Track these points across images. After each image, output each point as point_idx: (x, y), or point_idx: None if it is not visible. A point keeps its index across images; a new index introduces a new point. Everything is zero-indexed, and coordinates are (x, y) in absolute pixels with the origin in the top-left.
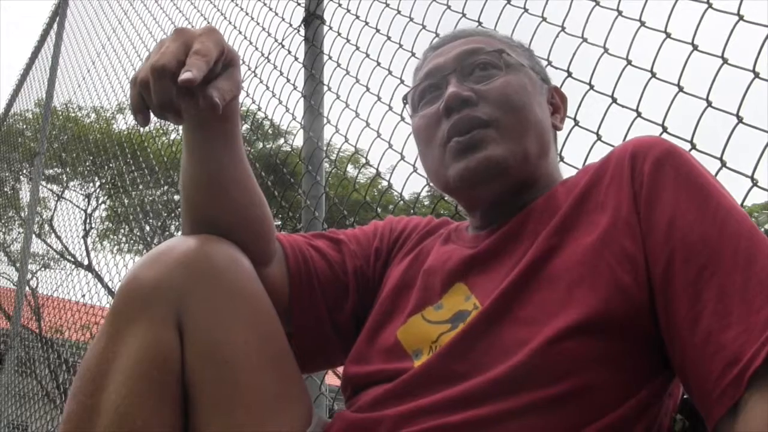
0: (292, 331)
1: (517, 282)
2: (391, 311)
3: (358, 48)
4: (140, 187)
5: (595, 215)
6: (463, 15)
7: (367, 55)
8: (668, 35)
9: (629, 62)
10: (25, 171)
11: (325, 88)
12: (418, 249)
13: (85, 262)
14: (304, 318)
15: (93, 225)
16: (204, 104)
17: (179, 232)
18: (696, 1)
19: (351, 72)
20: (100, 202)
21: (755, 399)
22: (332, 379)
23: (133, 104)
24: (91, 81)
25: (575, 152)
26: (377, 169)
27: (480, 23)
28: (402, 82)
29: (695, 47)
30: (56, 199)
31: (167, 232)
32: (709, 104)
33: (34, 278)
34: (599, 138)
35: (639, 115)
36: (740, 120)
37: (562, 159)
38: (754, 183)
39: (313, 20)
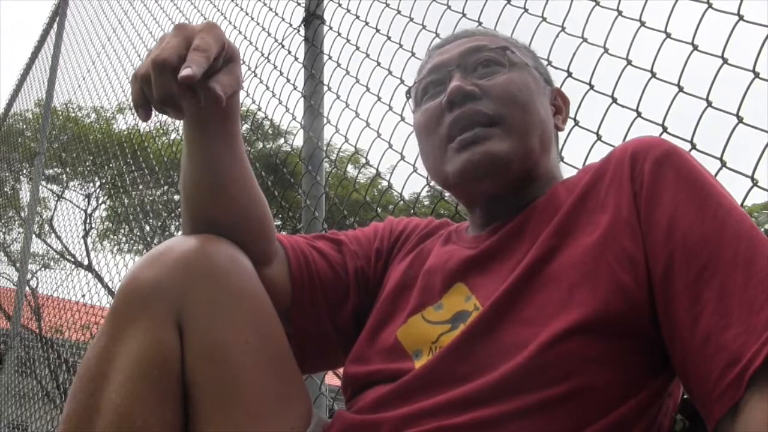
0: (292, 331)
1: (518, 283)
2: (391, 311)
3: (358, 48)
4: (140, 187)
5: (596, 215)
6: (464, 15)
7: (367, 55)
8: (668, 35)
9: (629, 62)
10: (25, 171)
11: (325, 88)
12: (418, 249)
13: (85, 262)
14: (304, 318)
15: (93, 225)
16: (205, 99)
17: (179, 232)
18: (696, 1)
19: (351, 72)
20: (100, 202)
21: (755, 399)
22: (332, 379)
23: (134, 99)
24: (91, 81)
25: (575, 152)
26: (377, 169)
27: (480, 23)
28: (402, 82)
29: (695, 47)
30: (56, 199)
31: (167, 232)
32: (709, 104)
33: (34, 278)
34: (599, 138)
35: (639, 115)
36: (740, 120)
37: (562, 159)
38: (754, 183)
39: (313, 20)
